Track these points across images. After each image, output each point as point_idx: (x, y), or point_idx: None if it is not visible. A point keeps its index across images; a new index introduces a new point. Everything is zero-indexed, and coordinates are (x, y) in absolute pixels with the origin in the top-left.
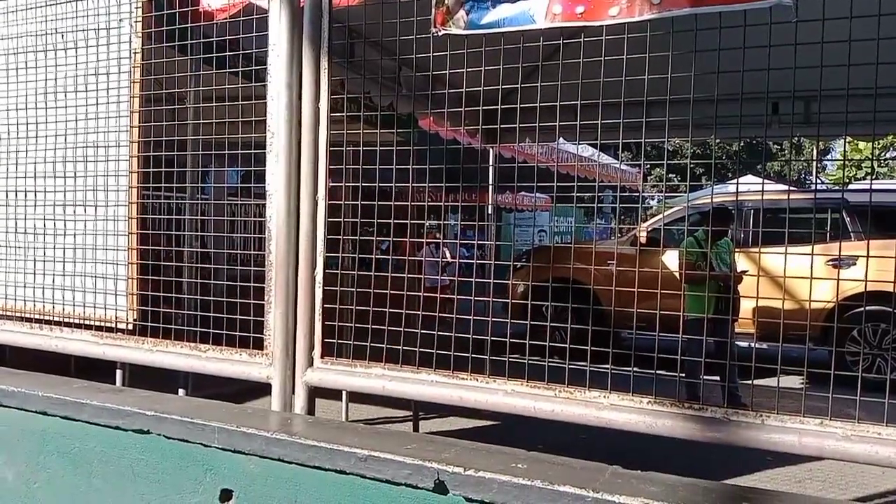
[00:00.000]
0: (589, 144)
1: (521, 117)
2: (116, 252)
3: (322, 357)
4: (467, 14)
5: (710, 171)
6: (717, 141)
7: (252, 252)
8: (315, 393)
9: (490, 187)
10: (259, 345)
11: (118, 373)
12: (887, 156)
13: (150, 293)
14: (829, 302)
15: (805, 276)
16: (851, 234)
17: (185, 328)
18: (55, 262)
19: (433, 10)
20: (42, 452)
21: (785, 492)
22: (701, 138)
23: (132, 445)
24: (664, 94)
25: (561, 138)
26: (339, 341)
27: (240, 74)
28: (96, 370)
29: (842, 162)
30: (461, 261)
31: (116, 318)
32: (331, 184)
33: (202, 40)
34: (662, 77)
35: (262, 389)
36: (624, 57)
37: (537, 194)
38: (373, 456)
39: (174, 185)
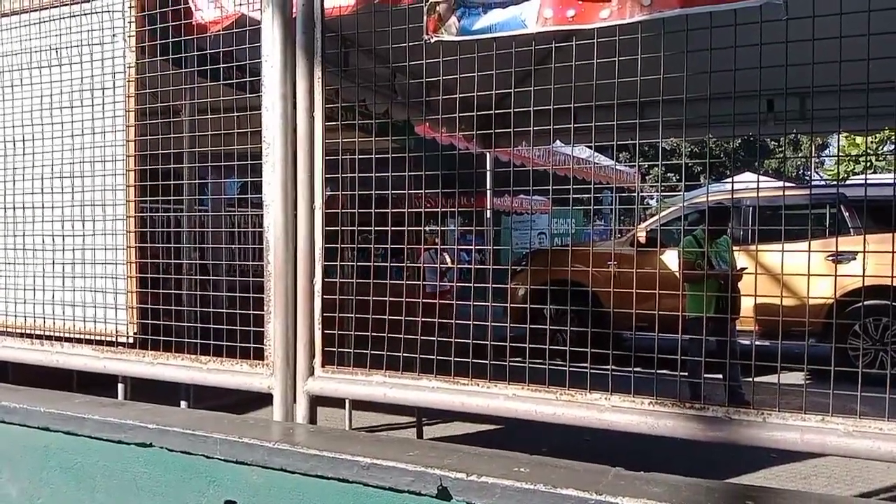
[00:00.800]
0: (585, 146)
1: (516, 121)
2: (115, 266)
3: (323, 366)
4: (459, 20)
5: (707, 170)
6: (714, 139)
7: (251, 262)
8: (316, 402)
9: (488, 192)
10: (259, 355)
11: (120, 386)
12: (884, 149)
13: (149, 306)
14: (829, 298)
15: (804, 273)
16: (850, 230)
17: (186, 340)
18: (54, 278)
19: (425, 17)
20: (45, 468)
21: (788, 489)
22: (697, 137)
23: (135, 459)
24: (658, 95)
25: (557, 141)
26: (340, 349)
27: (234, 86)
28: (98, 384)
29: (838, 157)
30: (461, 266)
31: (117, 331)
32: (328, 193)
33: (196, 53)
34: (655, 78)
35: (264, 399)
36: (616, 59)
37: (534, 197)
38: (375, 464)
39: (172, 197)
